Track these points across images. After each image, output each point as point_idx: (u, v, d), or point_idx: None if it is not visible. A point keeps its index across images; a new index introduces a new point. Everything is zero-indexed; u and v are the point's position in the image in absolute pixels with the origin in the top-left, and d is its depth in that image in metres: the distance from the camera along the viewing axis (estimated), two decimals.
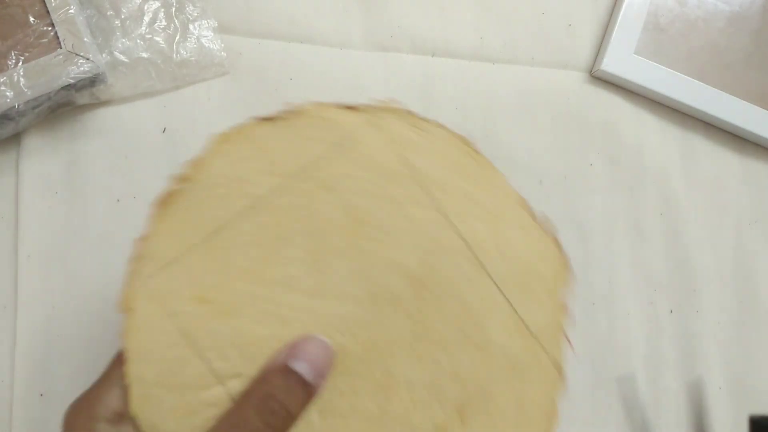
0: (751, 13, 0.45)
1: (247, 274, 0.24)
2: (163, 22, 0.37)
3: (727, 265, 0.43)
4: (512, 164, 0.41)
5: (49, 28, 0.33)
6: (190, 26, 0.37)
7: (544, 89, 0.42)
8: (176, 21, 0.37)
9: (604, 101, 0.43)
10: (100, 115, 0.36)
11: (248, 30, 0.38)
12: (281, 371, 0.22)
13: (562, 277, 0.27)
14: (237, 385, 0.23)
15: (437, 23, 0.41)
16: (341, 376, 0.24)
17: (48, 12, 0.33)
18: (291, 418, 0.22)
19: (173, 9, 0.37)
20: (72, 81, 0.32)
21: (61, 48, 0.32)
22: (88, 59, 0.32)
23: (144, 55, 0.36)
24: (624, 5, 0.43)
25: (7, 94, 0.31)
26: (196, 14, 0.37)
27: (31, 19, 0.33)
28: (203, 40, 0.37)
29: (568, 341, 0.26)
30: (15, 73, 0.32)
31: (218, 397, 0.23)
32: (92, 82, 0.33)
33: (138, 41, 0.36)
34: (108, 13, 0.36)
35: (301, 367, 0.22)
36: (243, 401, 0.23)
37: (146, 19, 0.36)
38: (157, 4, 0.37)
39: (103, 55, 0.35)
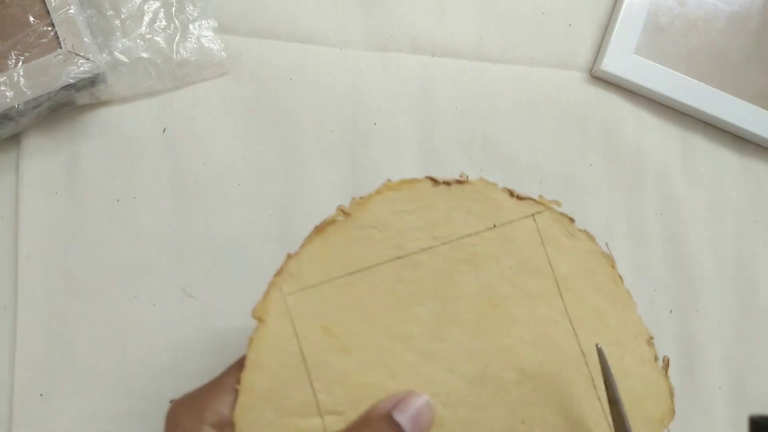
0: (751, 13, 0.45)
1: (375, 320, 0.25)
2: (163, 22, 0.37)
3: (727, 265, 0.43)
4: (512, 164, 0.41)
5: (49, 28, 0.33)
6: (190, 26, 0.37)
7: (544, 89, 0.42)
8: (176, 21, 0.37)
9: (604, 101, 0.43)
10: (100, 115, 0.36)
11: (248, 30, 0.38)
12: (385, 419, 0.23)
13: (665, 421, 0.28)
14: (333, 422, 0.24)
15: (437, 23, 0.41)
16: None
17: (48, 12, 0.33)
18: None
19: (173, 9, 0.37)
20: (72, 81, 0.32)
21: (61, 48, 0.32)
22: (88, 59, 0.32)
23: (144, 55, 0.36)
24: (624, 5, 0.43)
25: (7, 94, 0.31)
26: (196, 14, 0.37)
27: (31, 19, 0.33)
28: (203, 40, 0.37)
29: None
30: (15, 73, 0.32)
31: (314, 428, 0.23)
32: (92, 82, 0.33)
33: (138, 41, 0.36)
34: (108, 13, 0.36)
35: (404, 421, 0.23)
36: None
37: (146, 19, 0.36)
38: (157, 4, 0.37)
39: (103, 55, 0.35)
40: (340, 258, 0.25)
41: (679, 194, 0.43)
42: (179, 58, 0.36)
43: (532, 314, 0.26)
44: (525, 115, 0.42)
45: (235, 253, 0.36)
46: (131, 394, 0.33)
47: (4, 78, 0.31)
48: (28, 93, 0.31)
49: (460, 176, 0.27)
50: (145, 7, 0.36)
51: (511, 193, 0.27)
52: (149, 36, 0.36)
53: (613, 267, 0.28)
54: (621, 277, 0.28)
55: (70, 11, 0.33)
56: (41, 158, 0.34)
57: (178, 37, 0.37)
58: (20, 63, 0.32)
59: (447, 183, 0.27)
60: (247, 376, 0.23)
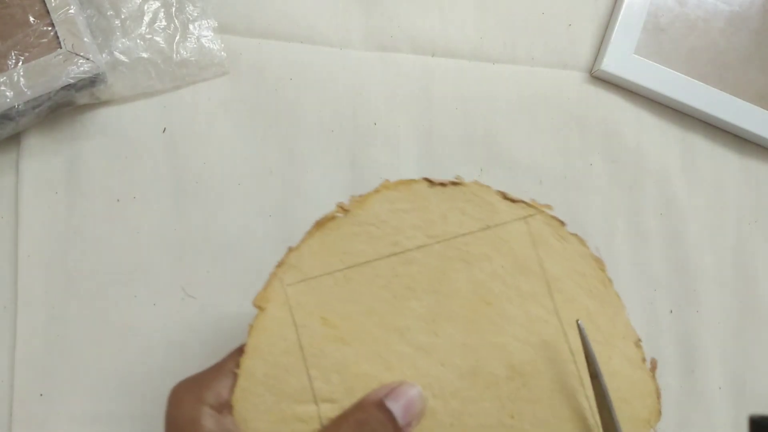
0: (751, 13, 0.45)
1: (372, 312, 0.26)
2: (163, 22, 0.37)
3: (727, 265, 0.43)
4: (512, 164, 0.41)
5: (49, 28, 0.33)
6: (190, 26, 0.37)
7: (544, 89, 0.42)
8: (176, 21, 0.37)
9: (604, 101, 0.43)
10: (100, 115, 0.36)
11: (248, 30, 0.38)
12: (377, 406, 0.24)
13: (652, 421, 0.28)
14: (328, 410, 0.25)
15: (437, 23, 0.41)
16: None
17: (48, 12, 0.33)
18: None
19: (173, 9, 0.37)
20: (72, 81, 0.32)
21: (61, 48, 0.32)
22: (88, 59, 0.32)
23: (144, 55, 0.36)
24: (624, 5, 0.43)
25: (7, 94, 0.31)
26: (196, 14, 0.37)
27: (31, 19, 0.33)
28: (203, 40, 0.37)
29: None
30: (15, 73, 0.32)
31: (309, 415, 0.24)
32: (92, 82, 0.33)
33: (138, 41, 0.36)
34: (108, 13, 0.36)
35: (396, 409, 0.24)
36: (339, 422, 0.24)
37: (146, 19, 0.36)
38: (157, 4, 0.37)
39: (103, 55, 0.35)
40: (339, 252, 0.26)
41: (679, 194, 0.43)
42: (179, 58, 0.36)
43: (524, 313, 0.27)
44: (525, 115, 0.42)
45: (235, 253, 0.36)
46: (131, 394, 0.33)
47: (4, 78, 0.31)
48: (28, 93, 0.31)
49: (456, 178, 0.28)
50: (145, 7, 0.36)
51: (505, 196, 0.28)
52: (149, 36, 0.36)
53: (603, 270, 0.29)
54: (611, 280, 0.29)
55: (70, 11, 0.33)
56: (41, 158, 0.34)
57: (178, 37, 0.37)
58: (20, 63, 0.32)
59: (443, 184, 0.28)
60: (247, 361, 0.24)
